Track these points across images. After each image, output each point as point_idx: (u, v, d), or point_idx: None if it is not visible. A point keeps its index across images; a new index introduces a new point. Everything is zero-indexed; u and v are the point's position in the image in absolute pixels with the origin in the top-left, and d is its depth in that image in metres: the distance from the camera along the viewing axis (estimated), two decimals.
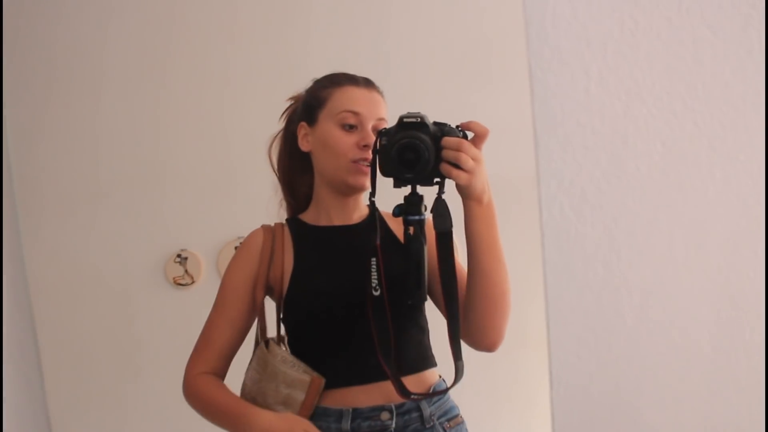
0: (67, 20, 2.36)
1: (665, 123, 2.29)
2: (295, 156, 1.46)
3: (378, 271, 1.25)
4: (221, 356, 1.39)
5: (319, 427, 1.30)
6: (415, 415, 1.33)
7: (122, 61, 2.38)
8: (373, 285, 1.25)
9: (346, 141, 1.35)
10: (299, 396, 1.30)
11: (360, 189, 1.37)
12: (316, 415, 1.32)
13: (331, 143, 1.36)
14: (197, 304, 2.29)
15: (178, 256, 2.38)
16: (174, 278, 2.38)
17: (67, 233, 2.37)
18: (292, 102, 1.50)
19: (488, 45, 2.30)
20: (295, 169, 1.47)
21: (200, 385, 1.37)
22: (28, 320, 2.35)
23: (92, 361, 2.37)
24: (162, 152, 2.37)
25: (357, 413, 1.31)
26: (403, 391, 1.26)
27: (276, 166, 1.50)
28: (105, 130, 2.38)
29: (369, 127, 1.36)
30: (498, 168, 2.21)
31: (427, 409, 1.33)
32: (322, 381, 1.31)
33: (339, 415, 1.31)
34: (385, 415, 1.31)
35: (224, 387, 1.37)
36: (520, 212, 2.28)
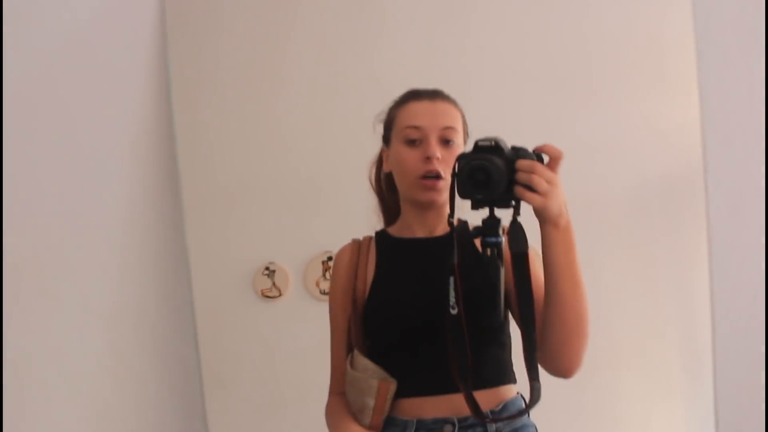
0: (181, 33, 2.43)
1: None
2: (383, 177, 1.53)
3: (455, 290, 1.26)
4: (344, 377, 1.44)
5: None
6: (479, 429, 1.33)
7: (214, 77, 2.43)
8: (451, 304, 1.26)
9: (411, 157, 1.38)
10: (370, 402, 1.34)
11: (429, 204, 1.40)
12: (384, 424, 1.35)
13: (399, 161, 1.40)
14: (284, 317, 2.42)
15: (266, 268, 2.42)
16: (262, 290, 2.42)
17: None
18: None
19: (655, 44, 2.30)
20: (386, 189, 1.53)
21: (329, 405, 1.46)
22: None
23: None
24: (251, 166, 2.42)
25: (420, 424, 1.34)
26: (477, 411, 1.27)
27: (374, 183, 1.56)
28: (195, 146, 2.44)
29: (433, 138, 1.38)
30: (668, 170, 2.31)
31: (492, 426, 1.33)
32: (390, 384, 1.34)
33: (404, 425, 1.35)
34: (447, 428, 1.33)
35: (340, 405, 1.43)
36: (690, 214, 2.30)
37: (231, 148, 2.43)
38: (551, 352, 1.26)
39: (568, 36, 2.34)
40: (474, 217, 1.28)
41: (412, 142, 1.39)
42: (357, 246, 1.48)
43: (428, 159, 1.36)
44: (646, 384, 2.33)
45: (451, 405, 1.33)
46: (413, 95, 1.44)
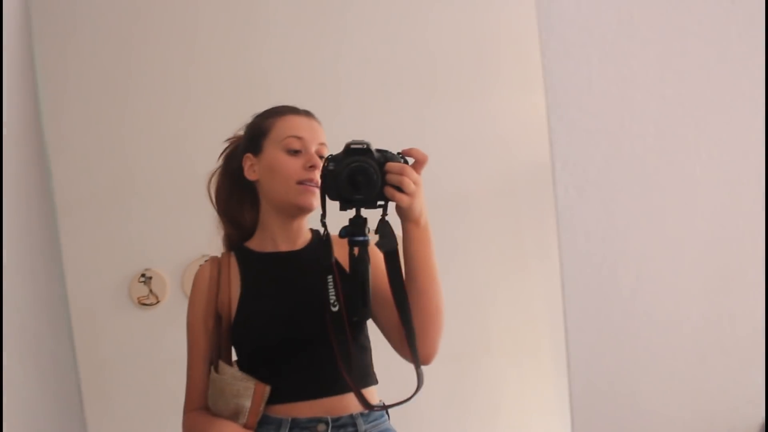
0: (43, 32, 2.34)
1: (657, 107, 2.41)
2: (241, 187, 1.53)
3: (335, 287, 1.33)
4: (204, 391, 1.47)
5: None
6: (350, 429, 1.39)
7: (82, 76, 2.36)
8: (331, 301, 1.32)
9: (293, 164, 1.42)
10: (246, 403, 1.37)
11: (308, 209, 1.44)
12: (259, 423, 1.39)
13: (278, 167, 1.43)
14: (162, 324, 2.34)
15: (143, 275, 2.36)
16: (138, 298, 2.36)
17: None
18: (231, 141, 1.58)
19: (501, 41, 2.40)
20: (242, 200, 1.54)
21: (188, 421, 1.48)
22: None
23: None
24: (124, 170, 2.36)
25: (295, 423, 1.38)
26: (364, 402, 1.35)
27: (215, 201, 1.58)
28: (66, 146, 2.36)
29: (312, 150, 1.43)
30: (517, 159, 2.42)
31: (362, 426, 1.40)
32: (266, 387, 1.37)
33: (278, 424, 1.38)
34: (321, 427, 1.38)
35: (204, 413, 1.45)
36: (538, 201, 2.41)
37: (104, 149, 2.36)
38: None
39: (418, 39, 2.42)
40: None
41: (293, 152, 1.43)
42: (217, 262, 1.50)
43: (312, 167, 1.41)
44: (522, 371, 2.43)
45: (323, 407, 1.38)
46: (290, 110, 1.49)
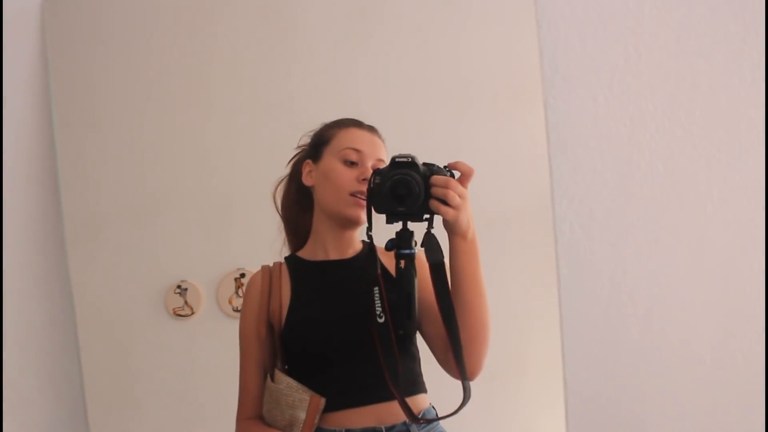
0: (67, 47, 2.41)
1: (666, 146, 2.40)
2: (299, 194, 1.55)
3: (381, 298, 1.32)
4: (257, 399, 1.47)
5: None
6: None
7: (121, 92, 2.41)
8: (377, 312, 1.32)
9: (347, 175, 1.43)
10: (301, 415, 1.37)
11: (357, 221, 1.44)
12: None
13: (333, 176, 1.44)
14: (196, 335, 2.38)
15: (178, 287, 2.38)
16: (174, 309, 2.38)
17: (64, 266, 2.39)
18: (299, 149, 1.59)
19: (504, 75, 2.38)
20: (299, 206, 1.56)
21: (241, 430, 1.48)
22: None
23: (91, 392, 2.37)
24: (161, 183, 2.39)
25: None
26: (410, 414, 1.33)
27: (280, 208, 1.59)
28: (105, 162, 2.40)
29: (369, 164, 1.44)
30: (516, 190, 2.38)
31: (416, 430, 1.39)
32: (322, 399, 1.37)
33: None
34: None
35: (258, 423, 1.45)
36: (537, 231, 2.37)
37: (143, 162, 2.40)
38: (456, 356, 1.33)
39: (454, 57, 2.43)
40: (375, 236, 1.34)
41: (350, 163, 1.45)
42: (268, 271, 1.50)
43: (364, 180, 1.41)
44: (553, 389, 2.40)
45: (375, 415, 1.38)
46: (355, 123, 1.51)
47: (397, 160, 1.29)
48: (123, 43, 2.43)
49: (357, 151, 1.45)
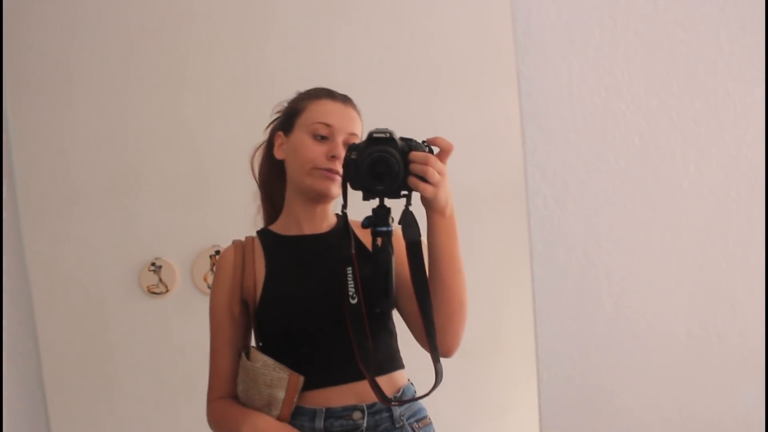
0: (43, 24, 2.37)
1: (642, 117, 2.37)
2: (273, 164, 1.51)
3: (354, 279, 1.30)
4: (229, 379, 1.44)
5: (294, 425, 1.36)
6: (385, 415, 1.38)
7: (95, 67, 2.38)
8: (350, 293, 1.30)
9: (316, 150, 1.40)
10: (280, 394, 1.35)
11: (325, 194, 1.42)
12: (292, 415, 1.37)
13: (302, 151, 1.41)
14: (171, 313, 2.38)
15: (153, 264, 2.37)
16: (148, 287, 2.37)
17: (40, 240, 2.37)
18: (278, 114, 1.55)
19: (477, 45, 2.35)
20: (273, 177, 1.53)
21: (214, 410, 1.44)
22: None
23: (66, 368, 2.37)
24: (136, 160, 2.37)
25: (330, 412, 1.36)
26: (382, 396, 1.31)
27: (257, 175, 1.56)
28: (78, 137, 2.38)
29: (340, 139, 1.41)
30: (489, 165, 2.37)
31: (397, 410, 1.38)
32: (300, 378, 1.36)
33: (313, 414, 1.36)
34: (356, 415, 1.36)
35: (233, 403, 1.43)
36: (510, 207, 2.36)
37: (115, 140, 2.38)
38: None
39: (426, 37, 2.41)
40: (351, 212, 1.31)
41: (320, 138, 1.41)
42: (240, 246, 1.47)
43: (333, 158, 1.39)
44: (527, 366, 2.41)
45: (356, 393, 1.37)
46: (328, 93, 1.47)
47: (375, 135, 1.25)
48: (98, 14, 2.39)
49: (327, 125, 1.41)
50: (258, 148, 1.57)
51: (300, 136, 1.43)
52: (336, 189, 1.39)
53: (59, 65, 2.38)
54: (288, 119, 1.47)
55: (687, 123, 2.38)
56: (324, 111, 1.43)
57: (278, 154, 1.48)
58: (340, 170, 1.35)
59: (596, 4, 2.37)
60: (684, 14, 2.36)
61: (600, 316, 2.42)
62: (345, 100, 1.47)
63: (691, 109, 2.38)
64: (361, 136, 1.43)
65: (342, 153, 1.38)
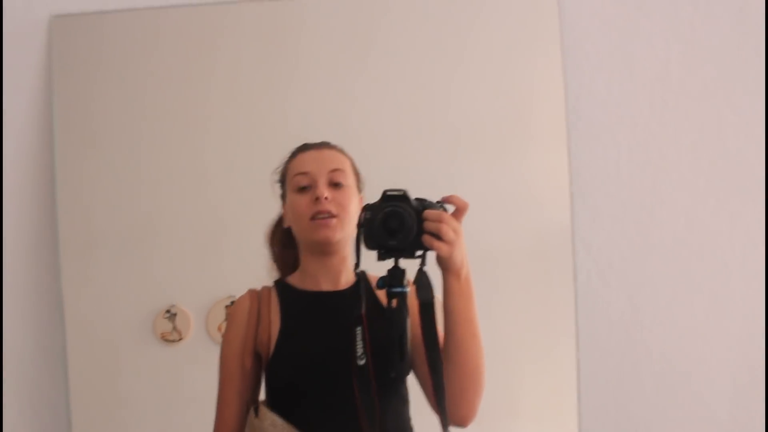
0: (71, 64, 2.41)
1: (689, 198, 2.36)
2: (281, 234, 1.54)
3: (363, 340, 1.28)
4: (235, 430, 1.43)
5: None
6: None
7: (111, 115, 2.41)
8: (358, 354, 1.27)
9: (303, 201, 1.41)
10: None
11: (325, 242, 1.41)
12: None
13: (292, 209, 1.44)
14: (185, 361, 2.35)
15: (167, 311, 2.36)
16: (162, 334, 2.36)
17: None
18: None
19: (528, 117, 2.37)
20: (282, 245, 1.55)
21: None
22: None
23: (78, 415, 2.34)
24: (153, 206, 2.39)
25: None
26: None
27: (268, 243, 1.58)
28: (95, 183, 2.40)
29: (321, 182, 1.41)
30: (537, 234, 2.36)
31: None
32: None
33: None
34: None
35: None
36: (557, 284, 2.34)
37: (134, 186, 2.40)
38: (448, 401, 1.27)
39: (451, 94, 2.41)
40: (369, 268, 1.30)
41: (302, 189, 1.42)
42: (256, 296, 1.46)
43: (317, 200, 1.39)
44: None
45: None
46: (301, 148, 1.50)
47: (388, 193, 1.26)
48: (123, 63, 2.43)
49: (304, 173, 1.43)
50: (275, 224, 1.58)
51: (290, 196, 1.45)
52: (335, 233, 1.39)
53: (72, 110, 2.41)
54: (281, 187, 1.51)
55: (734, 205, 2.36)
56: (299, 163, 1.45)
57: (286, 223, 1.49)
58: (331, 210, 1.37)
59: (647, 84, 2.37)
60: (733, 96, 2.37)
61: (641, 396, 2.37)
62: (319, 146, 1.48)
63: (738, 191, 2.37)
64: (352, 171, 1.46)
65: (325, 192, 1.39)
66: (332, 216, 1.38)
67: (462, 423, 1.31)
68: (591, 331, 2.36)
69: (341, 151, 1.49)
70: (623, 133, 2.38)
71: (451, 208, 1.26)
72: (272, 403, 1.40)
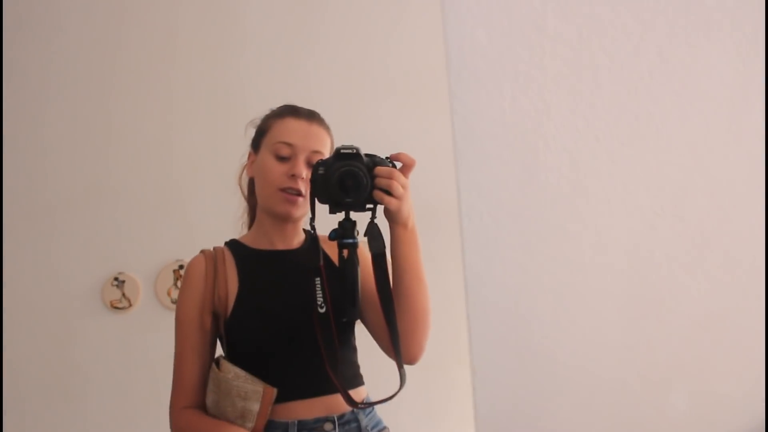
0: (17, 33, 2.38)
1: (571, 138, 2.50)
2: (249, 181, 1.54)
3: (323, 289, 1.33)
4: (195, 388, 1.42)
5: None
6: (353, 425, 1.40)
7: (62, 80, 2.39)
8: (319, 303, 1.33)
9: (277, 170, 1.41)
10: (254, 407, 1.35)
11: (287, 217, 1.43)
12: (265, 427, 1.36)
13: (264, 172, 1.42)
14: (134, 328, 2.35)
15: (116, 279, 2.34)
16: (111, 302, 2.35)
17: (3, 254, 2.34)
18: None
19: (411, 69, 2.42)
20: (250, 193, 1.54)
21: (180, 420, 1.42)
22: None
23: (28, 383, 2.33)
24: (100, 173, 2.37)
25: (302, 425, 1.36)
26: (350, 401, 1.34)
27: (245, 192, 1.58)
28: (42, 151, 2.37)
29: (302, 158, 1.42)
30: (423, 183, 2.43)
31: (363, 420, 1.41)
32: (274, 390, 1.35)
33: (285, 427, 1.36)
34: (328, 426, 1.37)
35: (202, 415, 1.41)
36: (445, 225, 2.39)
37: (79, 153, 2.37)
38: (400, 341, 1.33)
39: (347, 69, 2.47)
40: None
41: (281, 158, 1.42)
42: (211, 256, 1.46)
43: (293, 177, 1.40)
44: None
45: (326, 405, 1.38)
46: (292, 111, 1.48)
47: (342, 151, 1.29)
48: (71, 28, 2.41)
49: (289, 145, 1.43)
50: (245, 167, 1.56)
51: (264, 156, 1.44)
52: (298, 211, 1.41)
53: (24, 75, 2.39)
54: (256, 138, 1.50)
55: (612, 143, 2.51)
56: (286, 130, 1.44)
57: (249, 172, 1.50)
58: (302, 189, 1.39)
59: (525, 33, 2.50)
60: (608, 43, 2.51)
61: (536, 328, 2.51)
62: (310, 117, 1.48)
63: (616, 129, 2.52)
64: (329, 153, 1.46)
65: (303, 172, 1.40)
66: (300, 195, 1.40)
67: (412, 360, 1.36)
68: (484, 271, 2.49)
69: (327, 129, 1.49)
70: (506, 80, 2.50)
71: (398, 164, 1.30)
72: (234, 358, 1.41)
